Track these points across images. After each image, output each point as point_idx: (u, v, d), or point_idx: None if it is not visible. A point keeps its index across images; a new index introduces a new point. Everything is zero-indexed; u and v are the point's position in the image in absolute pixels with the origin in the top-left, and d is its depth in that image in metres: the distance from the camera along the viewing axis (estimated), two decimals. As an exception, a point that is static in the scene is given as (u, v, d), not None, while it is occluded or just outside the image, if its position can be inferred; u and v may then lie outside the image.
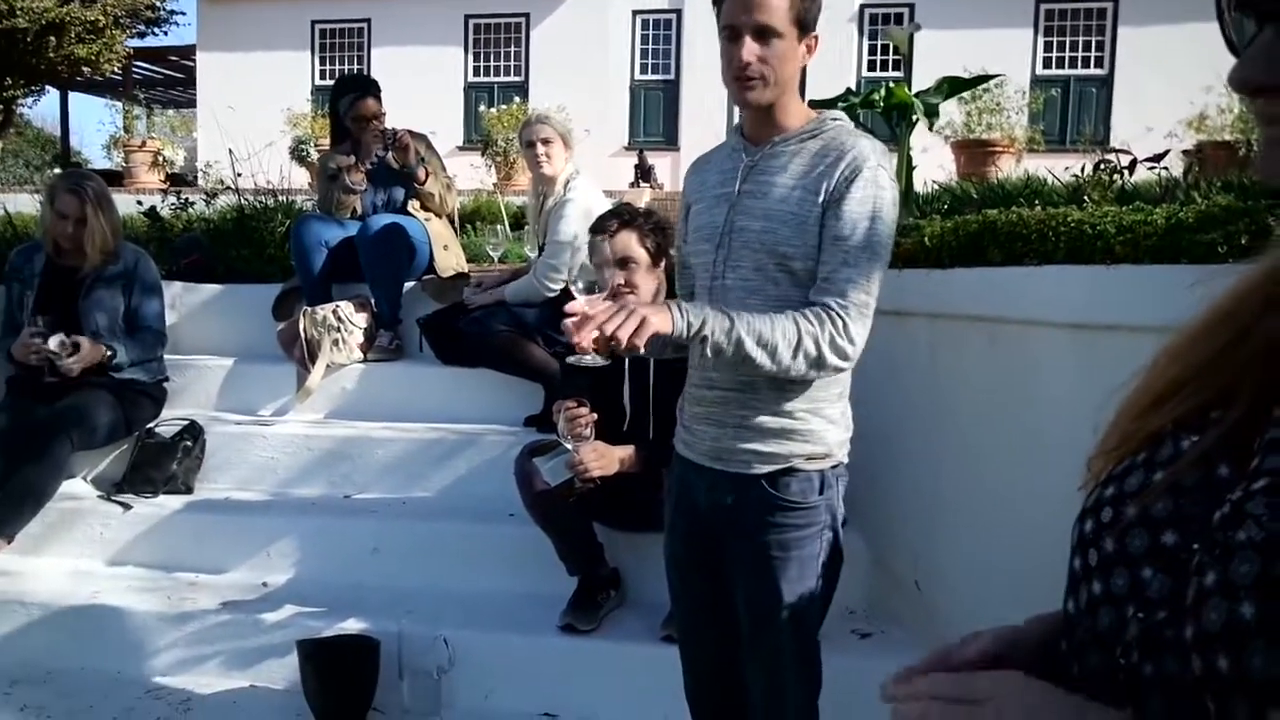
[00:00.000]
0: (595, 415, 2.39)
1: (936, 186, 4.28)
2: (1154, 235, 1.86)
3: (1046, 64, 13.12)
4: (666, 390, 1.98)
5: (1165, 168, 2.33)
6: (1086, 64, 13.09)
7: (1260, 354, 0.63)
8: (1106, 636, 0.65)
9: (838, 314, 1.67)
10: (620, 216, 2.54)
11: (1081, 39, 13.04)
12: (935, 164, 7.94)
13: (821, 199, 1.70)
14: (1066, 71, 13.10)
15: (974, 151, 9.27)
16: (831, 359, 1.68)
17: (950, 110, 9.91)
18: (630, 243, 2.49)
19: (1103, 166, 2.37)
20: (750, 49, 1.69)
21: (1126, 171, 2.36)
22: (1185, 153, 2.17)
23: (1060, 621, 0.73)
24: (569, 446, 2.35)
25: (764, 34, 1.69)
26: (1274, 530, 0.53)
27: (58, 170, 12.93)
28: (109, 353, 3.41)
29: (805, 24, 1.74)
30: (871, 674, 2.62)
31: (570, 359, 1.68)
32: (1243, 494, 0.57)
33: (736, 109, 1.84)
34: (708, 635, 1.98)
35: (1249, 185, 2.27)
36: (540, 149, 3.64)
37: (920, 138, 9.96)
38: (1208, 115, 8.76)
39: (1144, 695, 0.60)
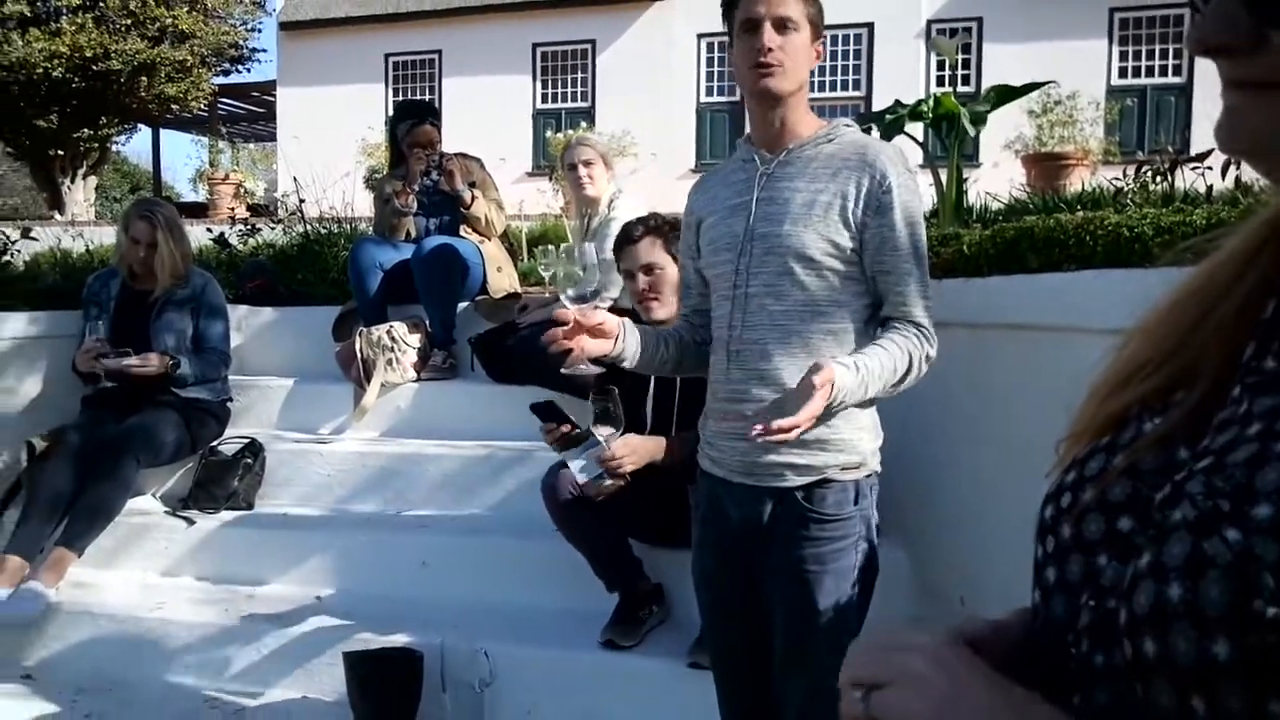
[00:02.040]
0: (578, 430, 2.38)
1: (994, 200, 4.19)
2: (1194, 236, 1.79)
3: (1122, 74, 12.77)
4: (690, 401, 1.98)
5: (1209, 167, 2.25)
6: (1164, 72, 12.70)
7: (1227, 328, 0.61)
8: (1061, 625, 0.63)
9: (926, 328, 1.77)
10: (646, 224, 2.56)
11: (1158, 47, 12.66)
12: (1006, 179, 7.78)
13: (854, 206, 1.73)
14: (1143, 81, 12.72)
15: (1045, 165, 9.05)
16: (926, 370, 1.78)
17: (1021, 124, 9.74)
18: (655, 250, 2.51)
19: (1143, 169, 2.30)
20: (771, 37, 1.74)
21: (1168, 173, 2.28)
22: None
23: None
24: (601, 439, 2.33)
25: (782, 25, 1.74)
26: (1206, 509, 0.51)
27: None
28: (172, 361, 3.54)
29: (816, 26, 1.79)
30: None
31: (564, 368, 1.71)
32: (1186, 474, 0.55)
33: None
34: (741, 655, 1.95)
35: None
36: (582, 170, 3.69)
37: (990, 153, 9.82)
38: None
39: (1092, 685, 0.58)
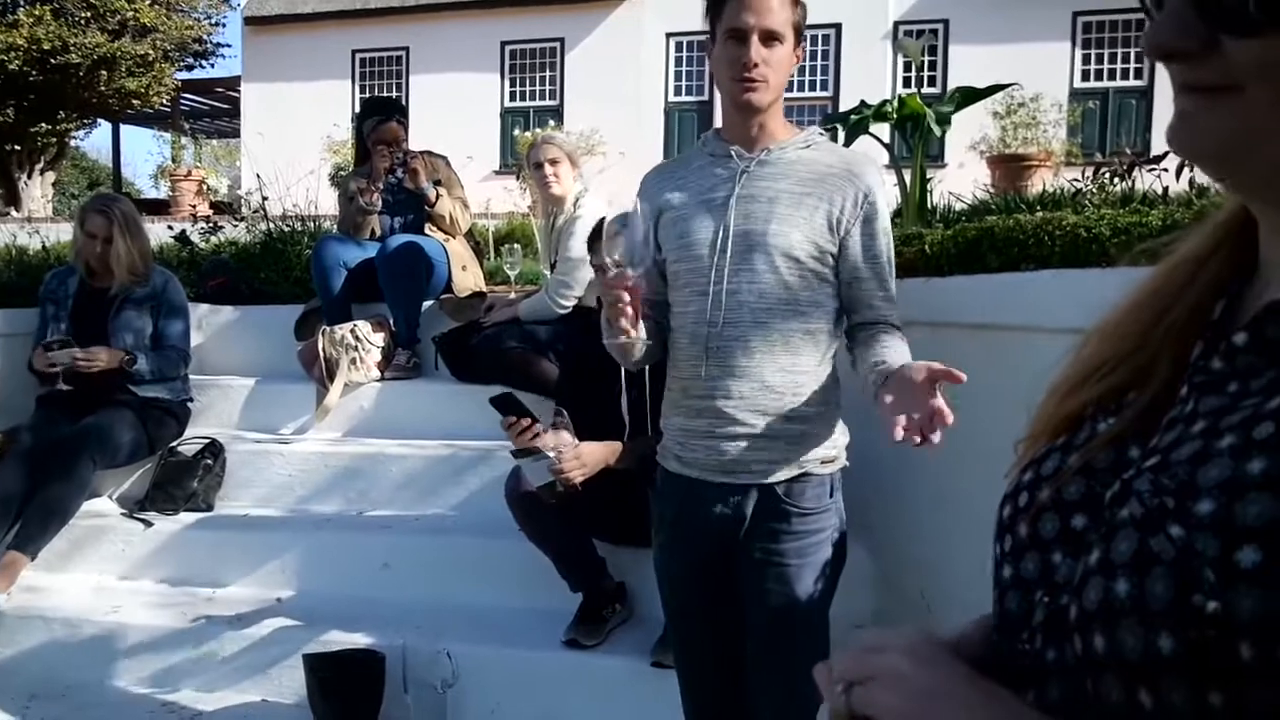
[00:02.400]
0: (538, 425, 2.37)
1: (957, 200, 4.23)
2: (1150, 237, 1.81)
3: (1085, 76, 12.94)
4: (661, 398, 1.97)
5: (1165, 169, 2.29)
6: (1126, 75, 12.88)
7: (1176, 331, 0.62)
8: (1014, 621, 0.63)
9: (900, 327, 1.84)
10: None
11: (1120, 50, 12.84)
12: (970, 179, 7.85)
13: (839, 213, 1.78)
14: (1105, 84, 12.90)
15: (1008, 166, 9.15)
16: None
17: (986, 125, 9.84)
18: None
19: (1101, 171, 2.33)
20: (758, 50, 1.74)
21: (1126, 174, 2.32)
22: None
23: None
24: (549, 452, 2.35)
25: (770, 38, 1.75)
26: (1152, 506, 0.52)
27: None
28: (127, 356, 3.48)
29: (799, 32, 1.81)
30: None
31: (612, 339, 1.72)
32: (1135, 471, 0.56)
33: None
34: (709, 656, 1.96)
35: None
36: (548, 169, 3.67)
37: (956, 154, 9.92)
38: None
39: (1045, 681, 0.59)
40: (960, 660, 0.63)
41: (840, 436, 1.88)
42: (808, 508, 1.81)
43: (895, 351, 1.75)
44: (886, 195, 1.86)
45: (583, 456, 2.46)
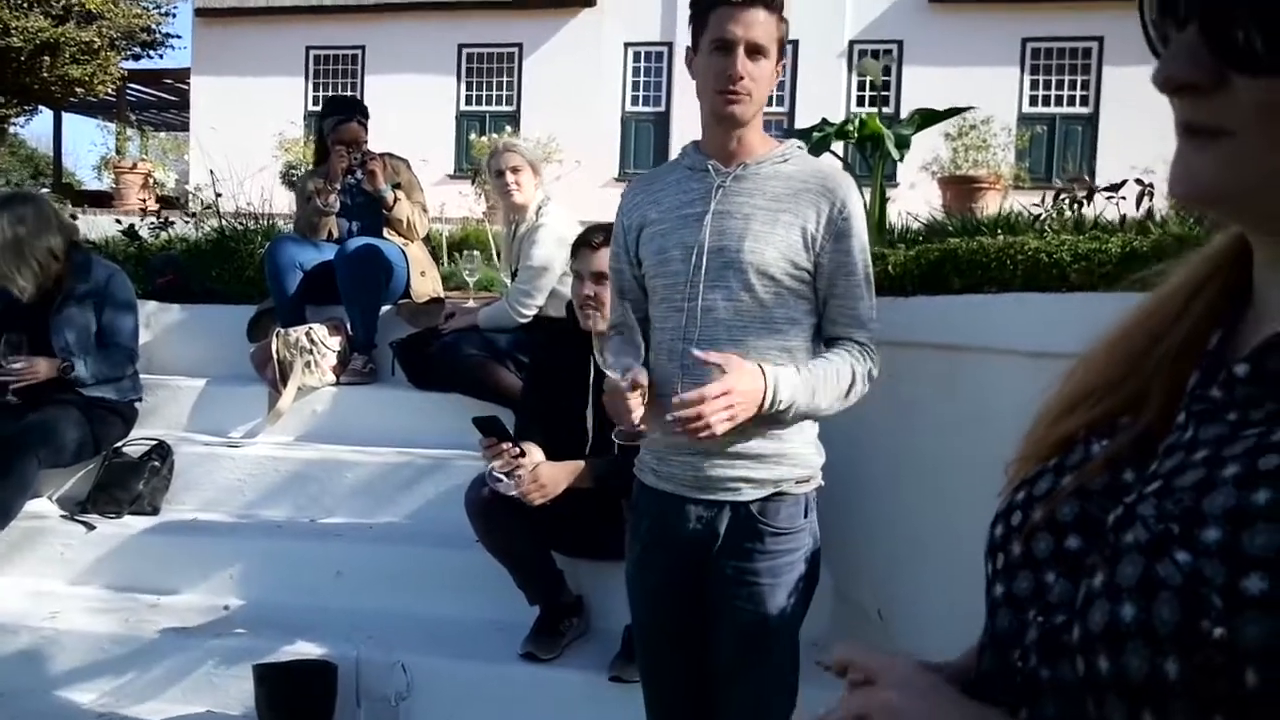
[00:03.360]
0: (516, 449, 2.40)
1: (916, 221, 4.29)
2: (1109, 263, 1.86)
3: (1033, 101, 13.26)
4: None
5: (1123, 197, 2.35)
6: (1072, 102, 13.23)
7: (1170, 359, 0.64)
8: (1005, 639, 0.64)
9: (869, 346, 1.83)
10: (608, 232, 2.55)
11: (1067, 78, 13.18)
12: (922, 199, 7.98)
13: (814, 229, 1.77)
14: (1052, 109, 13.23)
15: (960, 187, 9.32)
16: (866, 388, 1.83)
17: (937, 146, 10.01)
18: (609, 261, 2.49)
19: (1061, 197, 2.39)
20: (744, 63, 1.74)
21: (1086, 201, 2.38)
22: (1138, 182, 2.19)
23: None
24: (509, 483, 2.36)
25: (755, 51, 1.75)
26: (1157, 531, 0.53)
27: (43, 189, 12.93)
28: (65, 364, 3.38)
29: (782, 46, 1.81)
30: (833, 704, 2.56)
31: (623, 439, 1.74)
32: (1136, 496, 0.57)
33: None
34: (678, 671, 1.95)
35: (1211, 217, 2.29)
36: (510, 177, 3.65)
37: (908, 174, 10.10)
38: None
39: (1039, 699, 0.60)
40: (949, 685, 0.64)
41: (816, 456, 1.88)
42: (781, 527, 1.82)
43: (809, 368, 1.74)
44: (862, 209, 1.85)
45: (542, 478, 2.46)
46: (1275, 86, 0.51)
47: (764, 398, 1.66)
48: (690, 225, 1.81)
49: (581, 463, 2.55)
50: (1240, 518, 0.49)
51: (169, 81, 17.71)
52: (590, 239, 2.55)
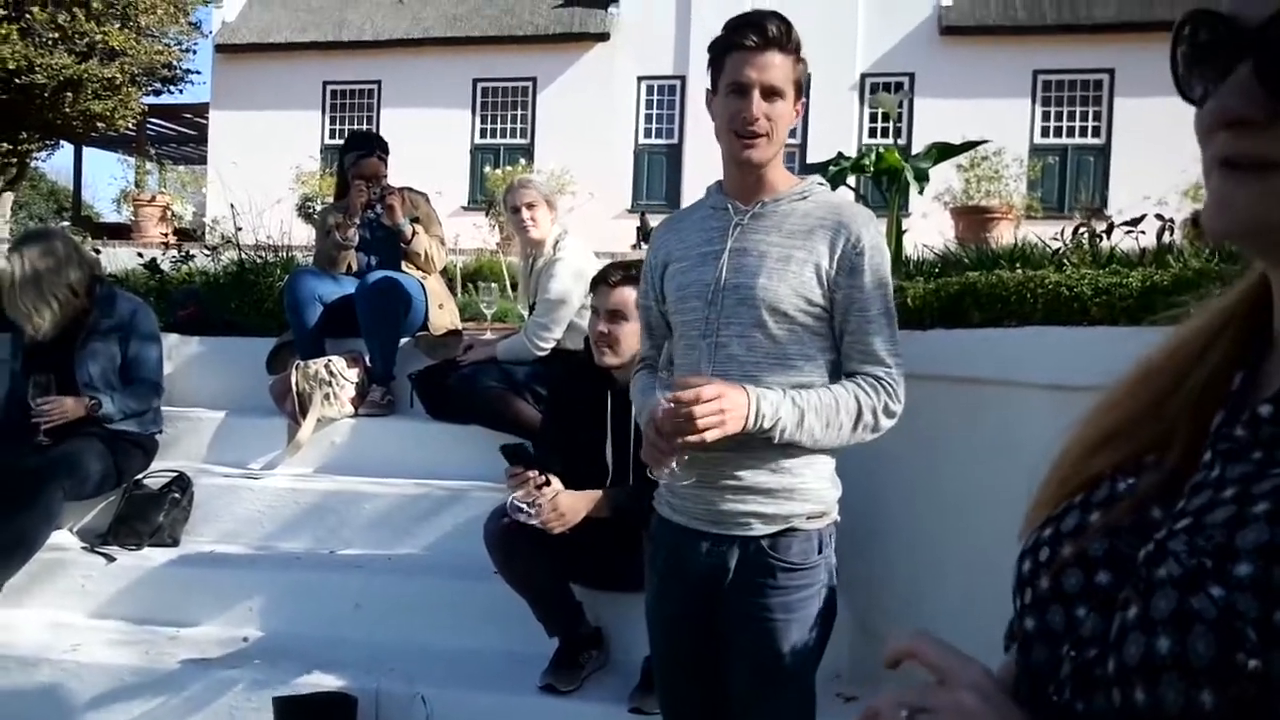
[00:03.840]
0: (540, 476, 2.41)
1: (930, 252, 4.32)
2: (1129, 297, 1.88)
3: (1045, 133, 13.33)
4: None
5: (1143, 231, 2.37)
6: (1084, 133, 13.29)
7: (1194, 399, 0.65)
8: (1040, 673, 0.65)
9: (888, 381, 1.79)
10: (626, 271, 2.57)
11: (1079, 109, 13.26)
12: (934, 230, 8.01)
13: (828, 265, 1.77)
14: (1064, 140, 13.29)
15: (972, 218, 9.37)
16: (885, 423, 1.80)
17: (949, 177, 10.06)
18: (627, 298, 2.51)
19: (1080, 230, 2.41)
20: (760, 105, 1.76)
21: (1105, 235, 2.40)
22: (1159, 217, 2.22)
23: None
24: (530, 512, 2.38)
25: (771, 93, 1.76)
26: (1190, 566, 0.54)
27: (63, 224, 13.10)
28: (92, 402, 3.41)
29: (800, 86, 1.82)
30: (851, 738, 2.53)
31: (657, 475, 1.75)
32: (1167, 533, 0.58)
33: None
34: (695, 703, 1.95)
35: (1226, 250, 2.30)
36: (525, 213, 3.70)
37: (919, 205, 10.18)
38: (1201, 185, 8.84)
39: None
40: (1019, 705, 0.65)
41: (831, 491, 1.87)
42: (794, 563, 1.81)
43: (801, 394, 1.73)
44: (882, 243, 1.83)
45: (561, 506, 2.47)
46: None
47: (749, 411, 1.66)
48: (708, 263, 1.83)
49: (600, 493, 2.56)
50: (1272, 553, 0.51)
51: (188, 116, 17.97)
52: (609, 276, 2.57)
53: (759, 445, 1.76)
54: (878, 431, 1.80)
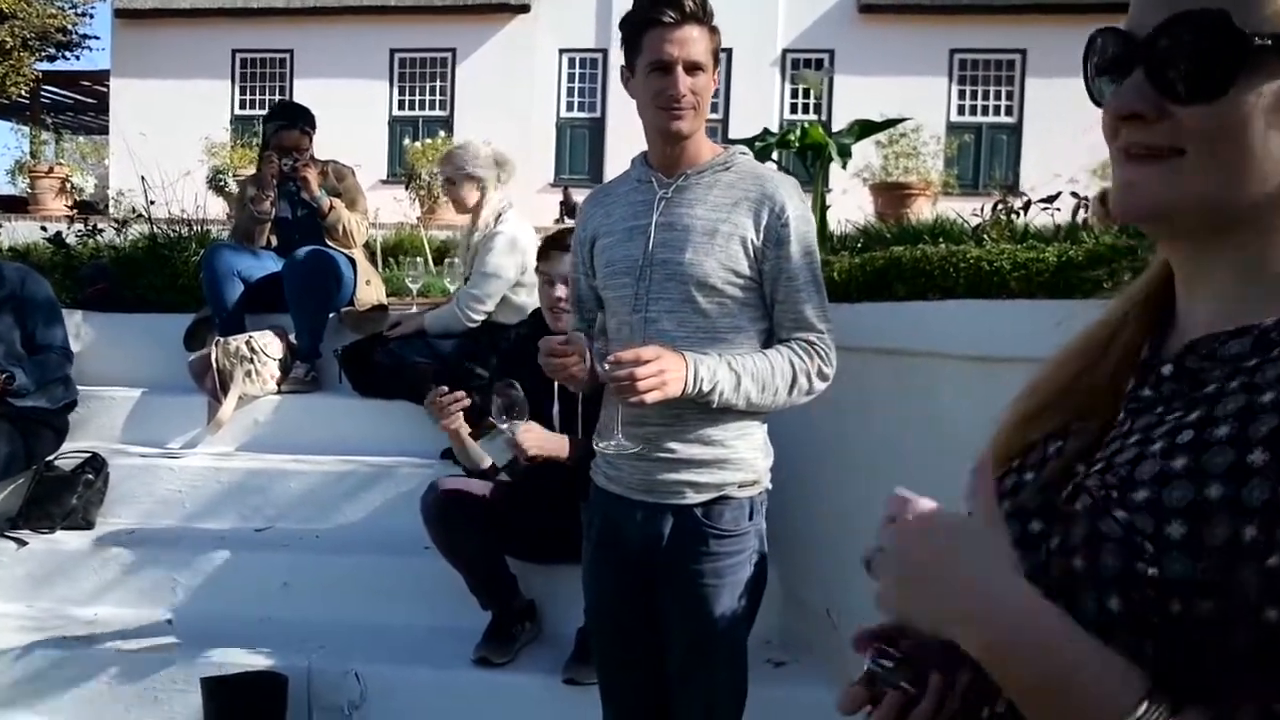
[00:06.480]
0: (462, 395, 2.40)
1: (852, 227, 4.41)
2: (1046, 272, 1.95)
3: (961, 111, 13.64)
4: (595, 412, 1.99)
5: (1058, 209, 2.47)
6: (998, 112, 13.64)
7: (1111, 371, 0.74)
8: None
9: (820, 345, 1.83)
10: None
11: (993, 88, 13.60)
12: (854, 205, 8.15)
13: (754, 237, 1.79)
14: (979, 119, 13.63)
15: (891, 194, 9.55)
16: (819, 385, 1.85)
17: (869, 154, 10.23)
18: None
19: (999, 208, 2.50)
20: (684, 81, 1.77)
21: (1022, 212, 2.49)
22: (1074, 194, 2.33)
23: None
24: (503, 428, 2.32)
25: (694, 68, 1.78)
26: (1100, 497, 0.64)
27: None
28: (4, 375, 3.28)
29: (716, 57, 1.85)
30: (784, 703, 2.64)
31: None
32: (1082, 475, 0.68)
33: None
34: (635, 672, 1.98)
35: (1134, 228, 2.41)
36: (447, 188, 3.68)
37: (840, 180, 10.35)
38: (1109, 163, 9.18)
39: None
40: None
41: (762, 460, 1.91)
42: (726, 530, 1.85)
43: (735, 358, 1.76)
44: (807, 212, 1.86)
45: (535, 432, 2.42)
46: (1211, 114, 0.63)
47: (687, 374, 1.69)
48: (636, 238, 1.84)
49: (566, 438, 2.55)
50: (1162, 480, 0.60)
51: (86, 84, 17.18)
52: (562, 241, 2.56)
53: (693, 416, 1.79)
54: (811, 394, 1.84)
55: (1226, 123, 0.63)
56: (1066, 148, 10.75)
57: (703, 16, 1.79)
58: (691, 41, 1.77)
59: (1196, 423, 0.62)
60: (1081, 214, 2.41)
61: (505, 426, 2.30)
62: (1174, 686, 0.57)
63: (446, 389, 2.45)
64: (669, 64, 1.77)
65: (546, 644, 2.85)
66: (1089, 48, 0.70)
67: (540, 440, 2.43)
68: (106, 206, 11.62)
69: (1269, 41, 0.61)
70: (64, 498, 3.38)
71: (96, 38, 16.90)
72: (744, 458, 1.86)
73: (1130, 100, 0.65)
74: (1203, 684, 0.57)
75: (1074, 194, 2.40)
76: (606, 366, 1.66)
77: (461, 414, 2.47)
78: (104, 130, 16.30)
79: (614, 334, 1.88)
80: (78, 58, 16.30)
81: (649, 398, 1.64)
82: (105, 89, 15.62)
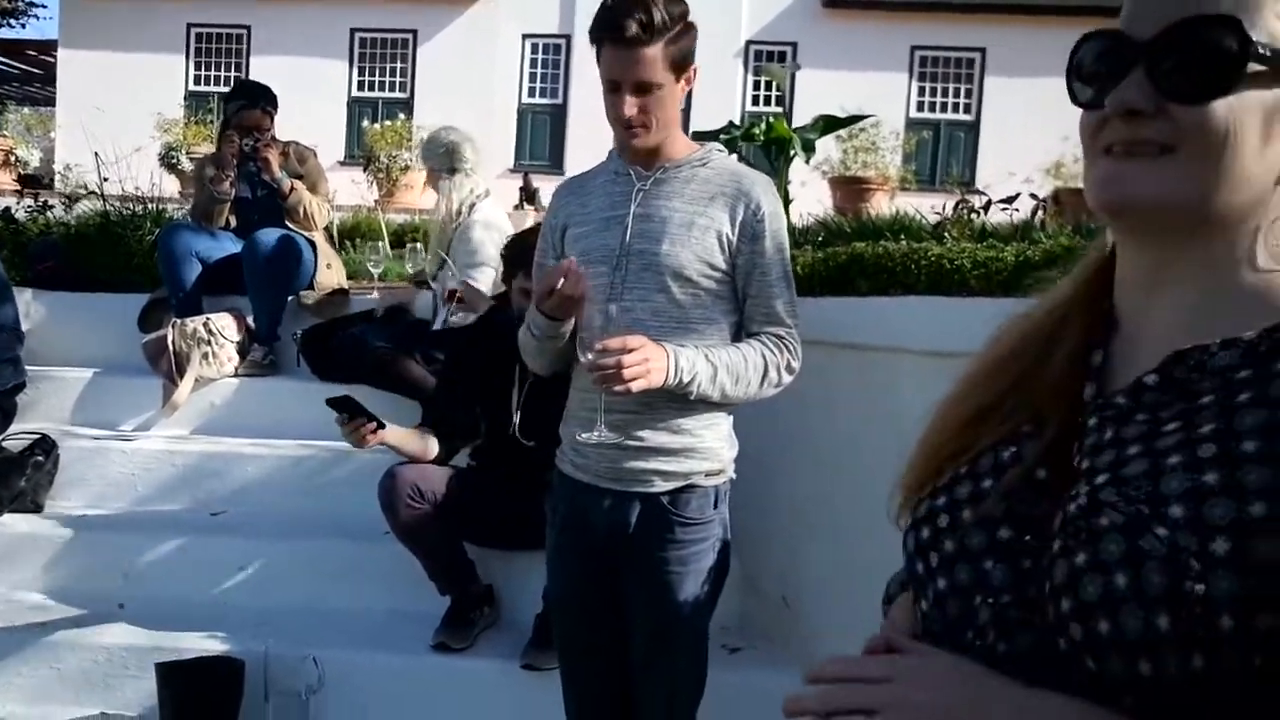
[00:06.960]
0: (363, 421, 2.45)
1: (812, 219, 4.44)
2: (1005, 271, 2.00)
3: (920, 107, 13.78)
4: (559, 397, 2.00)
5: (1016, 209, 2.52)
6: (956, 109, 13.82)
7: (1057, 376, 0.75)
8: (955, 624, 0.72)
9: (789, 340, 1.88)
10: None
11: (952, 85, 13.77)
12: (813, 198, 8.21)
13: (729, 231, 1.83)
14: (938, 115, 13.79)
15: (850, 188, 9.62)
16: (787, 379, 1.90)
17: (829, 147, 10.30)
18: None
19: (961, 206, 2.55)
20: (631, 104, 1.78)
21: (982, 211, 2.54)
22: (1033, 196, 2.39)
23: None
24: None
25: (643, 88, 1.78)
26: (1130, 513, 0.63)
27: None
28: None
29: (682, 64, 1.83)
30: (740, 688, 2.68)
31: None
32: (1092, 487, 0.66)
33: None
34: (597, 658, 2.00)
35: (1094, 227, 2.47)
36: (427, 179, 3.68)
37: (799, 172, 10.41)
38: (1064, 163, 9.35)
39: (996, 669, 0.67)
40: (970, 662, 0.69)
41: (728, 450, 1.95)
42: (691, 518, 1.88)
43: (711, 350, 1.79)
44: (780, 209, 1.90)
45: (387, 437, 2.54)
46: (1208, 115, 0.66)
47: (669, 365, 1.72)
48: (612, 228, 1.86)
49: (432, 440, 2.71)
50: (1198, 496, 0.60)
51: (32, 54, 16.70)
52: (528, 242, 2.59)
53: (664, 405, 1.82)
54: (779, 387, 1.90)
55: (1220, 125, 0.66)
56: (1022, 146, 10.95)
57: (652, 38, 1.74)
58: (640, 63, 1.75)
59: (1214, 436, 0.62)
60: (1040, 214, 2.46)
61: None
62: (1224, 702, 0.59)
63: (348, 417, 2.45)
64: (618, 85, 1.78)
65: (505, 629, 2.87)
66: (1077, 49, 0.73)
67: (400, 439, 2.56)
68: (52, 181, 11.33)
69: (1267, 52, 0.65)
70: (12, 480, 3.31)
71: (44, 5, 16.34)
72: (711, 447, 1.90)
73: (1132, 97, 0.68)
74: (1254, 698, 0.58)
75: (1032, 195, 2.46)
76: (590, 355, 1.67)
77: (375, 427, 2.47)
78: (50, 102, 15.85)
79: (586, 322, 1.89)
80: (24, 26, 15.86)
81: (634, 386, 1.66)
82: (52, 59, 15.20)
